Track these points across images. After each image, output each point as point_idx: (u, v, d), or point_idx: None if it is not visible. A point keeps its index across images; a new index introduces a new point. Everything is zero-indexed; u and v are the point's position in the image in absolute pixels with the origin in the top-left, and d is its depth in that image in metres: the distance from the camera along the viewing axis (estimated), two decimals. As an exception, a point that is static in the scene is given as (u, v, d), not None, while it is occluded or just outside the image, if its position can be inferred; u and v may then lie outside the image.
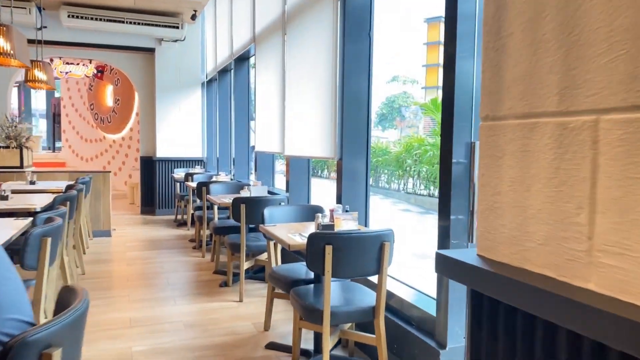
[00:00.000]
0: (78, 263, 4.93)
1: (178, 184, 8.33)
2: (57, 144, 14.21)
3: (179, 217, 8.31)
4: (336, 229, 2.91)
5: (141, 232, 7.32)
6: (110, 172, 6.91)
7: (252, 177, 6.91)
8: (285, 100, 4.71)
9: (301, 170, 4.79)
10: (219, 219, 5.54)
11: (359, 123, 3.60)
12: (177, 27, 8.12)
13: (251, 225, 4.38)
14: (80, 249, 4.90)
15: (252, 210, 4.16)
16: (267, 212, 3.44)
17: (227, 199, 4.73)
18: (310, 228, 3.11)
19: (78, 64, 8.62)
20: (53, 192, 5.41)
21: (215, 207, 5.39)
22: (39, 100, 15.88)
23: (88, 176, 6.20)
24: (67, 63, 8.54)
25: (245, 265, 4.26)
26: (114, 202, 10.97)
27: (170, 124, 8.90)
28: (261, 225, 3.30)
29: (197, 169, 8.15)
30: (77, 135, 12.87)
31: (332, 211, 3.05)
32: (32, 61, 5.62)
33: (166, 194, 8.96)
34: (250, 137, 7.23)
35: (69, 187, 5.05)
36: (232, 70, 7.58)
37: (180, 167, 8.97)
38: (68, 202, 4.06)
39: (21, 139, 6.49)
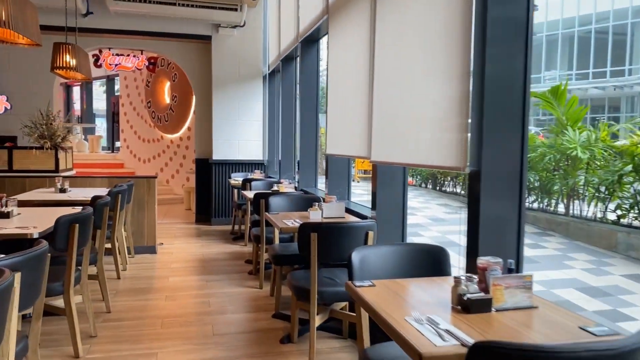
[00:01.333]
0: (103, 296, 3.86)
1: (235, 190, 7.24)
2: (117, 144, 13.71)
3: (236, 227, 7.22)
4: (496, 305, 1.58)
5: (191, 247, 6.26)
6: (155, 177, 5.89)
7: (323, 186, 5.65)
8: (373, 90, 3.38)
9: (394, 180, 3.44)
10: (280, 241, 4.31)
11: (508, 120, 2.21)
12: (236, 10, 7.02)
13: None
14: (104, 283, 3.83)
15: (327, 243, 2.87)
16: (356, 258, 2.12)
17: (291, 222, 3.47)
18: (437, 290, 1.77)
19: (128, 55, 7.78)
20: (81, 203, 4.41)
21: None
22: (100, 99, 15.57)
23: (127, 183, 5.19)
24: (117, 54, 7.71)
25: (318, 319, 2.98)
26: (170, 208, 10.16)
27: (228, 122, 7.84)
28: (348, 282, 1.99)
29: (257, 174, 7.01)
30: (134, 135, 12.23)
31: (483, 269, 1.69)
32: (58, 44, 4.66)
33: (223, 201, 7.91)
34: (318, 136, 5.96)
35: (95, 198, 4.00)
36: (298, 57, 6.35)
37: (238, 171, 7.88)
38: (77, 225, 2.95)
39: (56, 138, 5.60)
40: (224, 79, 7.79)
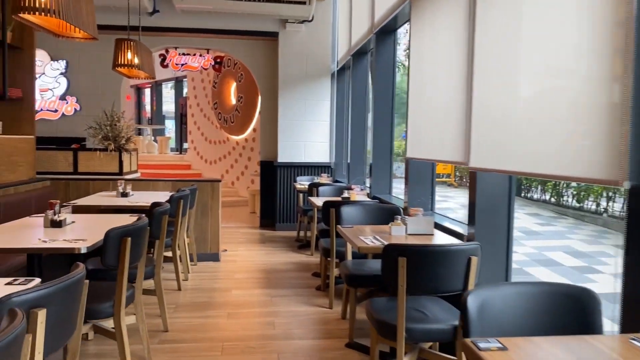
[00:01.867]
0: (161, 312, 3.52)
1: (301, 195, 6.83)
2: (185, 145, 13.80)
3: (301, 234, 6.80)
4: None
5: (256, 255, 5.90)
6: (219, 181, 5.58)
7: (398, 193, 5.09)
8: (473, 86, 2.79)
9: (497, 191, 2.83)
10: (353, 256, 3.80)
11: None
12: (305, 3, 6.60)
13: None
14: (162, 299, 3.49)
15: (418, 270, 2.33)
16: (474, 305, 1.56)
17: (370, 239, 2.93)
18: None
19: (194, 55, 7.60)
20: (141, 209, 4.13)
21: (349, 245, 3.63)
22: (170, 101, 15.80)
23: (190, 187, 4.89)
24: (183, 54, 7.55)
25: (405, 362, 2.44)
26: (235, 210, 9.96)
27: (294, 123, 7.45)
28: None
29: (324, 178, 6.55)
30: (201, 137, 12.20)
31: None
32: (119, 40, 4.42)
33: (288, 205, 7.53)
34: (393, 137, 5.40)
35: (154, 205, 3.69)
36: (372, 51, 5.83)
37: (304, 175, 7.46)
38: (128, 239, 2.60)
39: (120, 140, 5.42)
40: (290, 78, 7.41)
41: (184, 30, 7.17)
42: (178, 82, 14.36)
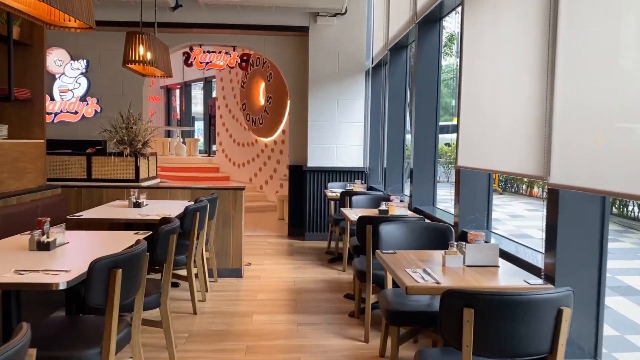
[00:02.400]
0: (168, 347, 3.02)
1: (332, 203, 6.27)
2: (213, 148, 13.45)
3: (332, 244, 6.24)
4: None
5: (282, 270, 5.37)
6: (243, 189, 5.08)
7: (443, 206, 4.49)
8: (555, 83, 2.17)
9: (584, 214, 2.19)
10: (393, 284, 3.21)
11: None
12: (336, -6, 6.04)
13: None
14: (169, 333, 2.98)
15: (488, 324, 1.73)
16: None
17: (419, 273, 2.34)
18: None
19: (220, 53, 7.15)
20: (151, 222, 3.66)
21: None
22: (199, 102, 15.53)
23: (209, 197, 4.41)
24: (208, 52, 7.12)
25: None
26: (262, 217, 9.48)
27: (325, 124, 6.90)
28: None
29: (357, 185, 5.97)
30: (229, 139, 11.81)
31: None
32: (130, 34, 3.97)
33: (318, 213, 6.98)
34: (437, 142, 4.78)
35: (162, 222, 3.20)
36: (414, 42, 5.22)
37: (336, 180, 6.90)
38: (118, 272, 2.10)
39: (137, 144, 4.98)
40: (321, 76, 6.86)
41: (209, 26, 6.72)
42: (207, 83, 14.04)
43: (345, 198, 5.24)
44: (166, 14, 6.61)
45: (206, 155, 13.48)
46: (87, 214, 3.84)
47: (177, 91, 15.95)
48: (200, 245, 4.29)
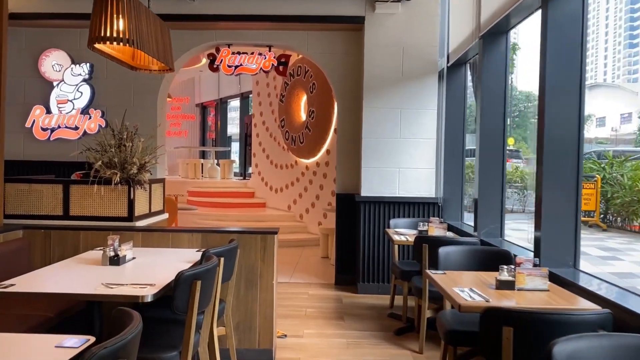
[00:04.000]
0: None
1: (397, 247, 4.65)
2: (249, 170, 12.09)
3: (396, 299, 4.60)
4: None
5: (330, 348, 3.76)
6: (276, 232, 3.55)
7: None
8: None
9: None
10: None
11: None
12: (404, -33, 4.52)
13: None
14: None
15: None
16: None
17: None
18: None
19: (252, 54, 5.75)
20: (122, 301, 2.15)
21: None
22: (235, 122, 14.30)
23: (226, 247, 2.90)
24: (238, 53, 5.74)
25: None
26: (302, 253, 7.91)
27: (384, 141, 5.32)
28: None
29: (435, 224, 4.30)
30: (266, 160, 10.40)
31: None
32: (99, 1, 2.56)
33: (376, 257, 5.35)
34: (582, 158, 3.11)
35: (118, 319, 1.68)
36: (511, 32, 3.66)
37: (400, 215, 5.27)
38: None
39: (130, 168, 3.54)
40: (380, 79, 5.31)
41: (238, 18, 5.34)
42: (244, 99, 12.79)
43: (424, 247, 3.60)
44: (185, 4, 5.27)
45: (241, 178, 12.12)
46: (19, 283, 2.38)
47: (213, 109, 14.80)
48: (205, 326, 2.75)
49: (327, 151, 8.20)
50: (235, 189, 11.13)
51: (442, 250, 3.21)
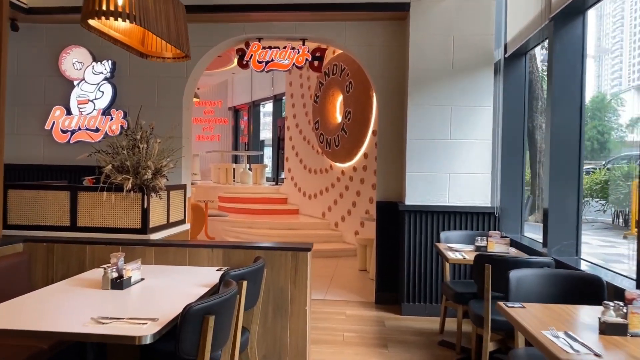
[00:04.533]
0: None
1: (448, 265, 4.03)
2: (282, 175, 11.63)
3: (447, 324, 3.97)
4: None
5: (373, 386, 3.19)
6: (309, 249, 3.00)
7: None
8: None
9: None
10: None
11: None
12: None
13: None
14: None
15: None
16: None
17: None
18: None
19: (285, 49, 5.25)
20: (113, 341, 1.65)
21: None
22: (268, 125, 13.88)
23: (250, 267, 2.38)
24: (269, 47, 5.25)
25: None
26: (338, 264, 7.34)
27: (432, 143, 4.71)
28: None
29: (495, 238, 3.67)
30: (299, 164, 9.90)
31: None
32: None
33: (423, 274, 4.74)
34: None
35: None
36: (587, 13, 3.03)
37: (451, 226, 4.65)
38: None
39: (144, 173, 3.08)
40: (427, 73, 4.71)
41: (270, 8, 4.85)
42: (277, 101, 12.36)
43: (486, 268, 2.99)
44: (212, -6, 4.83)
45: (273, 183, 11.67)
46: (14, 305, 1.92)
47: (246, 112, 14.45)
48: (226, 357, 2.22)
49: (365, 155, 7.63)
50: (267, 194, 10.67)
51: (514, 275, 2.58)
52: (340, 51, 8.27)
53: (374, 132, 7.36)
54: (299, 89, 9.92)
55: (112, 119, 5.23)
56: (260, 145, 14.02)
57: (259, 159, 13.33)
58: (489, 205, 4.67)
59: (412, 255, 4.72)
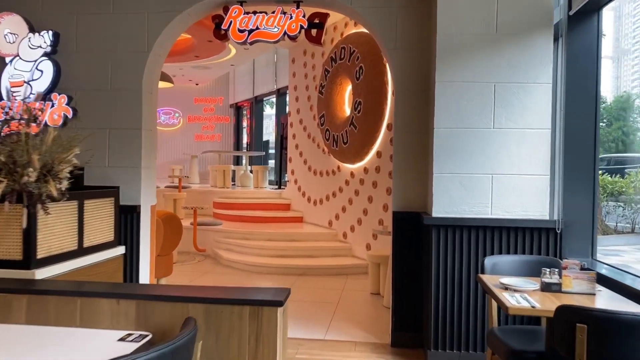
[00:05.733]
0: None
1: (494, 304, 2.78)
2: (285, 177, 10.43)
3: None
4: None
5: None
6: (280, 302, 1.78)
7: None
8: None
9: None
10: None
11: None
12: None
13: None
14: None
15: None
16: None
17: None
18: None
19: (273, 14, 4.05)
20: None
21: None
22: (272, 122, 12.72)
23: (171, 342, 1.17)
24: (253, 12, 4.06)
25: None
26: (347, 283, 6.11)
27: (468, 134, 3.48)
28: None
29: (573, 273, 2.41)
30: (304, 166, 8.71)
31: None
32: None
33: (457, 310, 3.49)
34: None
35: None
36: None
37: (496, 247, 3.40)
38: None
39: (25, 174, 1.90)
40: (460, 40, 3.49)
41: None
42: (280, 96, 11.19)
43: (578, 330, 1.75)
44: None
45: (277, 187, 10.49)
46: None
47: (248, 109, 13.30)
48: None
49: (378, 153, 6.41)
50: (268, 199, 9.49)
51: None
52: (350, 32, 7.08)
53: (388, 126, 6.15)
54: (302, 80, 8.73)
55: (53, 105, 4.09)
56: (264, 144, 12.85)
57: (261, 160, 12.16)
58: (547, 218, 3.42)
59: (441, 285, 3.48)
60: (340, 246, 7.14)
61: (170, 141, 13.93)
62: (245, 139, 13.74)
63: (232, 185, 10.91)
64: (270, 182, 11.09)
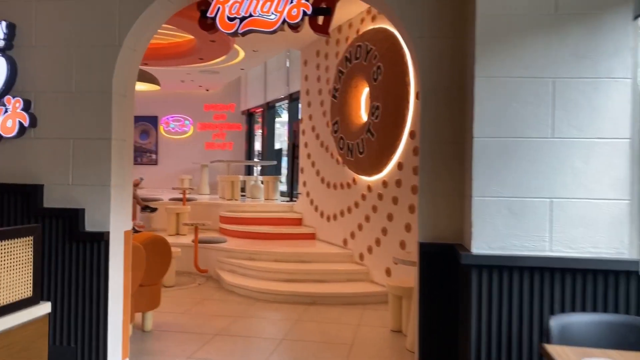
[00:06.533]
0: None
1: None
2: (298, 189, 9.66)
3: None
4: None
5: None
6: None
7: None
8: None
9: None
10: None
11: None
12: None
13: None
14: None
15: None
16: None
17: None
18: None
19: (270, -2, 3.30)
20: None
21: None
22: (285, 129, 12.01)
23: None
24: (246, -3, 3.32)
25: None
26: (364, 313, 5.21)
27: (521, 145, 2.65)
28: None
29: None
30: (316, 177, 7.94)
31: None
32: None
33: (499, 375, 2.66)
34: None
35: None
36: None
37: (560, 296, 2.55)
38: None
39: None
40: (508, 23, 2.68)
41: None
42: (293, 101, 10.47)
43: None
44: None
45: (288, 200, 9.73)
46: None
47: (260, 116, 12.63)
48: None
49: (399, 165, 5.61)
50: (279, 214, 8.75)
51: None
52: (366, 28, 6.31)
53: (411, 134, 5.35)
54: (315, 83, 7.99)
55: (6, 111, 3.40)
56: (277, 154, 12.12)
57: (274, 170, 11.43)
58: (627, 257, 2.57)
59: (484, 347, 2.65)
60: (356, 269, 6.34)
61: (180, 150, 13.34)
62: (257, 147, 13.06)
63: (242, 196, 10.20)
64: (282, 194, 10.34)
